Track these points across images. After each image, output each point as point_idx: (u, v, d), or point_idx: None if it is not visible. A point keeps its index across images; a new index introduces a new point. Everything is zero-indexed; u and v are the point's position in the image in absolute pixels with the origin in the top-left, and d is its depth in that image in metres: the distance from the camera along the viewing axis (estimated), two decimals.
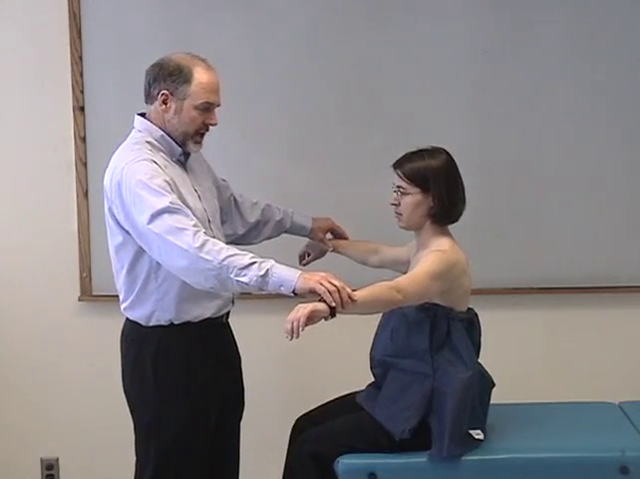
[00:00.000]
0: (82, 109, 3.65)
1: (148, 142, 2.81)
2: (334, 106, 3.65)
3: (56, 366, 3.79)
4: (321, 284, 2.56)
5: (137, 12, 3.61)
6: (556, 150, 3.67)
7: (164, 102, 2.80)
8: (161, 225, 2.63)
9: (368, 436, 2.89)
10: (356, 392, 3.08)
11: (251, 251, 2.65)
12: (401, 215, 2.94)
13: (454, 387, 2.84)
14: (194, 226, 2.63)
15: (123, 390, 2.93)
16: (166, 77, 2.78)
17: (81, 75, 3.63)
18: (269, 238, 3.24)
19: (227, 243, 2.76)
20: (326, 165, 3.67)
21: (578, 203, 3.69)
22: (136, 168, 2.71)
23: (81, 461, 3.85)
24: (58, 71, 3.63)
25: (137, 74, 2.87)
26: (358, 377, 3.08)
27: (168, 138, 2.83)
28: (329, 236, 3.31)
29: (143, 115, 2.87)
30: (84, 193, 3.68)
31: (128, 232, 2.75)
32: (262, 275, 2.57)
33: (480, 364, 2.99)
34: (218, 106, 2.85)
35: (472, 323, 2.98)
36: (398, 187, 2.93)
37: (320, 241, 3.28)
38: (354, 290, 2.62)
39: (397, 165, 2.94)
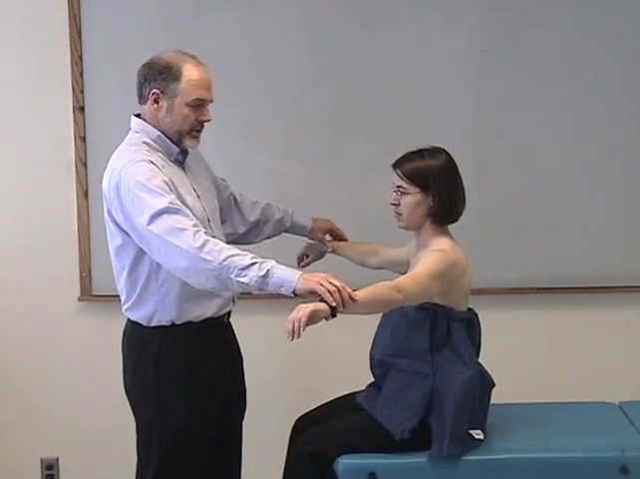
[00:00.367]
0: (82, 109, 3.65)
1: (145, 142, 2.81)
2: (334, 105, 3.65)
3: (56, 366, 3.79)
4: (321, 285, 2.56)
5: (137, 12, 3.61)
6: (556, 150, 3.67)
7: (156, 101, 2.80)
8: (161, 225, 2.63)
9: (368, 436, 2.89)
10: (356, 392, 3.08)
11: (251, 252, 2.65)
12: (401, 214, 2.94)
13: (454, 387, 2.84)
14: (194, 226, 2.63)
15: (124, 390, 2.93)
16: (156, 76, 2.78)
17: (81, 75, 3.63)
18: (269, 237, 3.24)
19: (228, 243, 2.76)
20: (325, 164, 3.67)
21: (578, 203, 3.70)
22: (134, 169, 2.71)
23: (81, 461, 3.85)
24: (58, 71, 3.63)
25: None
26: (358, 377, 3.08)
27: (165, 137, 2.83)
28: (328, 237, 3.31)
29: (138, 115, 2.87)
30: (84, 193, 3.68)
31: (127, 233, 2.75)
32: (263, 276, 2.57)
33: (480, 364, 2.99)
34: (211, 102, 2.84)
35: (472, 323, 2.98)
36: (398, 187, 2.93)
37: (319, 242, 3.28)
38: (354, 290, 2.62)
39: (397, 165, 2.94)
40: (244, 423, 3.08)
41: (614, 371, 3.75)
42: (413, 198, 2.91)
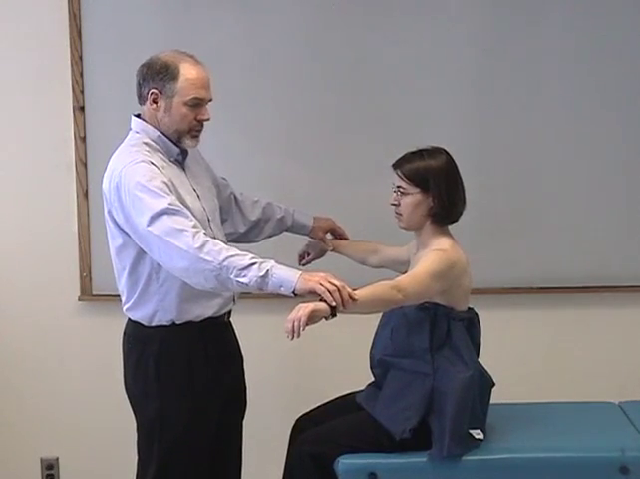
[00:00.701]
0: (82, 109, 3.65)
1: (145, 143, 2.81)
2: (334, 105, 3.65)
3: (56, 366, 3.79)
4: (321, 285, 2.56)
5: (137, 12, 3.61)
6: (556, 150, 3.67)
7: (154, 101, 2.80)
8: (161, 226, 2.63)
9: (368, 436, 2.89)
10: (356, 392, 3.08)
11: (251, 251, 2.65)
12: (401, 214, 2.94)
13: (454, 387, 2.84)
14: (194, 226, 2.63)
15: (124, 390, 2.93)
16: (154, 75, 2.78)
17: (81, 75, 3.63)
18: (271, 235, 3.24)
19: (229, 242, 2.76)
20: (326, 164, 3.67)
21: (578, 203, 3.69)
22: (134, 170, 2.71)
23: (81, 461, 3.85)
24: (58, 71, 3.63)
25: None
26: (358, 377, 3.08)
27: (165, 137, 2.83)
28: (329, 235, 3.31)
29: (138, 115, 2.87)
30: (84, 193, 3.68)
31: (128, 234, 2.75)
32: (262, 276, 2.57)
33: (479, 364, 2.99)
34: (210, 100, 2.84)
35: (472, 323, 2.98)
36: (398, 186, 2.93)
37: (320, 240, 3.28)
38: (354, 290, 2.62)
39: (397, 165, 2.94)
40: (244, 423, 3.08)
41: (614, 371, 3.76)
42: (413, 198, 2.91)
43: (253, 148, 3.66)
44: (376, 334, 3.04)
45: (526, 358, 3.76)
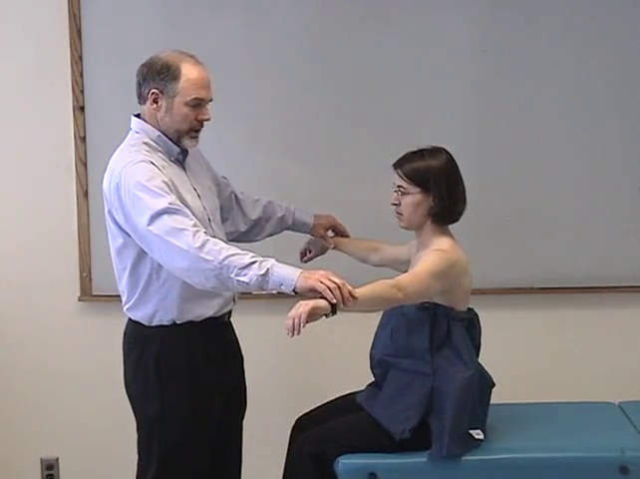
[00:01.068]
0: (82, 109, 3.65)
1: (145, 143, 2.81)
2: (334, 105, 3.65)
3: (56, 366, 3.79)
4: (321, 282, 2.56)
5: (137, 12, 3.61)
6: (556, 150, 3.67)
7: (155, 101, 2.80)
8: (161, 226, 2.63)
9: (368, 436, 2.89)
10: (356, 392, 3.08)
11: (252, 250, 2.65)
12: (401, 214, 2.95)
13: (454, 387, 2.84)
14: (194, 225, 2.64)
15: (124, 390, 2.93)
16: (155, 75, 2.78)
17: (81, 75, 3.63)
18: (272, 234, 3.24)
19: (230, 241, 2.76)
20: (326, 164, 3.67)
21: (578, 203, 3.70)
22: (134, 170, 2.71)
23: (81, 461, 3.85)
24: (58, 71, 3.63)
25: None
26: (358, 377, 3.08)
27: (165, 137, 2.83)
28: (330, 233, 3.32)
29: (138, 116, 2.87)
30: (84, 193, 3.68)
31: (128, 234, 2.75)
32: (262, 275, 2.57)
33: (480, 364, 2.99)
34: (210, 100, 2.84)
35: (472, 323, 2.98)
36: (398, 186, 2.93)
37: (321, 238, 3.28)
38: (355, 288, 2.62)
39: (397, 165, 2.94)
40: (244, 423, 3.08)
41: (614, 371, 3.76)
42: (413, 198, 2.91)
43: (253, 148, 3.66)
44: (376, 334, 3.04)
45: (526, 358, 3.76)
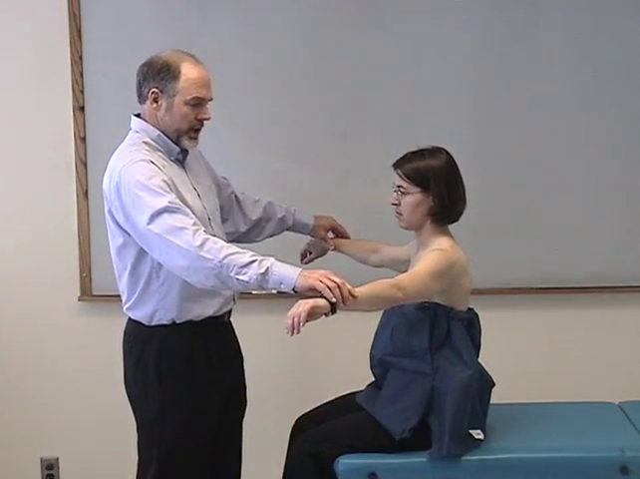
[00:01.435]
0: (82, 109, 3.65)
1: (145, 142, 2.82)
2: (334, 105, 3.65)
3: (56, 366, 3.79)
4: (321, 281, 2.56)
5: (137, 12, 3.61)
6: (556, 150, 3.67)
7: (155, 100, 2.80)
8: (161, 224, 2.63)
9: (368, 436, 2.89)
10: (356, 392, 3.08)
11: (252, 250, 2.65)
12: (401, 214, 2.95)
13: (454, 387, 2.84)
14: (194, 224, 2.64)
15: (124, 390, 2.93)
16: (155, 75, 2.78)
17: (81, 75, 3.63)
18: (271, 235, 3.24)
19: (230, 241, 2.76)
20: (326, 164, 3.67)
21: (578, 203, 3.70)
22: (134, 169, 2.71)
23: (81, 461, 3.85)
24: (58, 71, 3.63)
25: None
26: (358, 377, 3.08)
27: (165, 137, 2.83)
28: (330, 234, 3.31)
29: (138, 115, 2.88)
30: (84, 193, 3.68)
31: (128, 233, 2.75)
32: (262, 273, 2.57)
33: (480, 364, 2.99)
34: (210, 100, 2.84)
35: (472, 323, 2.98)
36: (398, 186, 2.93)
37: (322, 239, 3.28)
38: (354, 287, 2.62)
39: (397, 164, 2.94)
40: (244, 423, 3.08)
41: (614, 371, 3.76)
42: (413, 197, 2.91)
43: (253, 148, 3.66)
44: (376, 334, 3.04)
45: (526, 358, 3.76)
